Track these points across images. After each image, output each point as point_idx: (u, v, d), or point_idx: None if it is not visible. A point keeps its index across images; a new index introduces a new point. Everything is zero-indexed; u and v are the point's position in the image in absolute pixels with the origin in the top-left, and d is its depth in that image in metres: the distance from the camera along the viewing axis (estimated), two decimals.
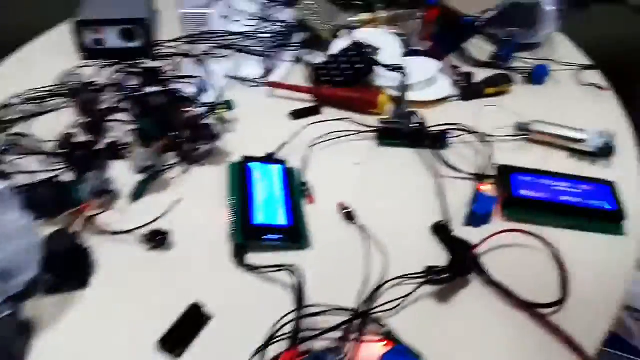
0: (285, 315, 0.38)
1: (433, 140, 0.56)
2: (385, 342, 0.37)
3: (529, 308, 0.41)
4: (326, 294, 0.40)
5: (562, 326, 0.39)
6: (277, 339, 0.37)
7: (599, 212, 0.48)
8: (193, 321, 0.39)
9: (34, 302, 0.39)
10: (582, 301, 0.42)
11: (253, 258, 0.44)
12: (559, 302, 0.41)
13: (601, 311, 0.42)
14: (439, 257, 0.44)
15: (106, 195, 0.47)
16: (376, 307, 0.40)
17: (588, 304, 0.42)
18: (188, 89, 0.59)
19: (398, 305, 0.40)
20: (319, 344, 0.37)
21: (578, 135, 0.56)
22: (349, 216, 0.48)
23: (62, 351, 0.37)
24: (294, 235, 0.45)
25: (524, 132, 0.58)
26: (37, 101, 0.59)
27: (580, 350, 0.38)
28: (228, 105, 0.58)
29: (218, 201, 0.48)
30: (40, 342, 0.37)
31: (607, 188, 0.50)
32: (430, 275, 0.41)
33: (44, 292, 0.40)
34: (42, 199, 0.45)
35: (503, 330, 0.40)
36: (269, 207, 0.46)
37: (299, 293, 0.39)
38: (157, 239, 0.44)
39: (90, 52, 0.68)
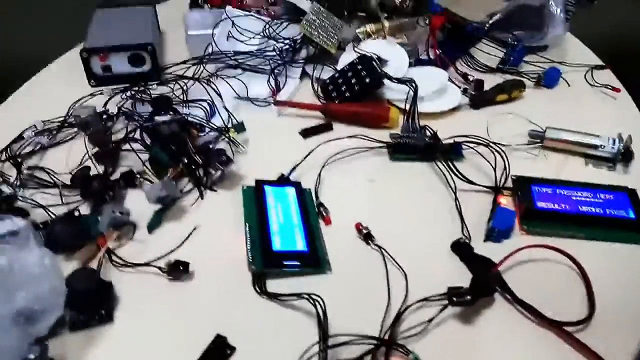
0: (310, 347, 0.38)
1: (446, 153, 0.55)
2: None
3: (556, 326, 0.40)
4: (348, 320, 0.40)
5: (591, 343, 0.39)
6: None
7: (621, 222, 0.47)
8: (217, 354, 0.39)
9: (59, 340, 0.39)
10: (609, 316, 0.41)
11: (273, 284, 0.43)
12: (586, 319, 0.40)
13: (630, 326, 0.41)
14: (461, 275, 0.44)
15: (124, 226, 0.47)
16: (400, 332, 0.39)
17: (616, 319, 0.41)
18: (198, 113, 0.59)
19: (422, 330, 0.40)
20: None
21: (594, 141, 0.55)
22: (367, 237, 0.47)
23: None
24: (314, 260, 0.45)
25: (539, 139, 0.57)
26: (49, 133, 0.59)
27: None
28: (239, 127, 0.58)
29: (235, 226, 0.48)
30: None
31: (627, 196, 0.49)
32: (453, 296, 0.41)
33: (68, 329, 0.40)
34: (60, 235, 0.45)
35: (530, 350, 0.39)
36: (286, 232, 0.46)
37: (322, 324, 0.39)
38: (178, 270, 0.43)
39: (98, 79, 0.68)
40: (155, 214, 0.49)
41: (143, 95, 0.62)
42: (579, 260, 0.44)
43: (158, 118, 0.53)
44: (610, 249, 0.46)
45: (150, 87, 0.66)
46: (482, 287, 0.42)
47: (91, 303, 0.40)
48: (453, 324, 0.41)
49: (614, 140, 0.55)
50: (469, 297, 0.41)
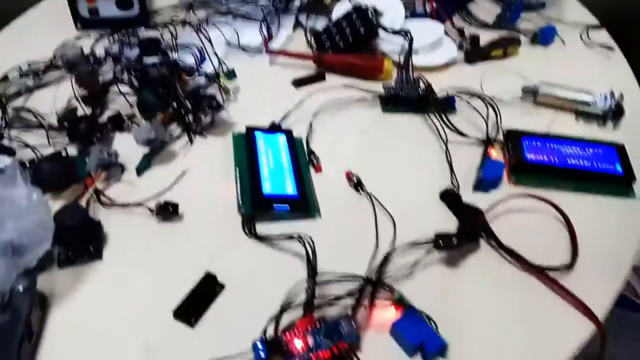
0: (298, 284, 0.38)
1: (439, 105, 0.55)
2: (397, 307, 0.38)
3: (539, 271, 0.41)
4: (337, 262, 0.40)
5: (572, 288, 0.40)
6: (291, 306, 0.37)
7: (608, 176, 0.48)
8: (206, 291, 0.39)
9: (48, 275, 0.40)
10: (592, 264, 0.42)
11: (262, 228, 0.44)
12: (569, 265, 0.41)
13: (611, 273, 0.42)
14: (449, 223, 0.44)
15: (112, 168, 0.47)
16: (387, 274, 0.40)
17: (598, 267, 0.42)
18: (188, 59, 0.58)
19: (408, 272, 0.41)
20: (331, 312, 0.38)
21: (586, 98, 0.55)
22: (357, 185, 0.47)
23: (77, 322, 0.38)
24: (303, 204, 0.45)
25: (532, 95, 0.57)
26: (35, 74, 0.57)
27: (590, 312, 0.38)
28: (230, 74, 0.57)
29: (224, 172, 0.48)
30: (55, 314, 0.38)
31: (616, 151, 0.49)
32: (439, 241, 0.41)
33: (57, 265, 0.40)
34: (48, 174, 0.45)
35: (513, 294, 0.40)
36: (276, 177, 0.46)
37: (310, 261, 0.39)
38: (167, 211, 0.43)
39: (85, 22, 0.66)
40: (144, 157, 0.48)
41: (131, 39, 0.60)
42: (564, 210, 0.45)
43: (147, 59, 0.52)
44: (596, 202, 0.47)
45: (138, 31, 0.64)
46: (467, 233, 0.43)
47: (80, 239, 0.40)
48: (439, 268, 0.42)
49: (606, 97, 0.55)
50: (454, 242, 0.41)
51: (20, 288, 0.35)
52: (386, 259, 0.41)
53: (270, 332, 0.36)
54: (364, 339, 0.37)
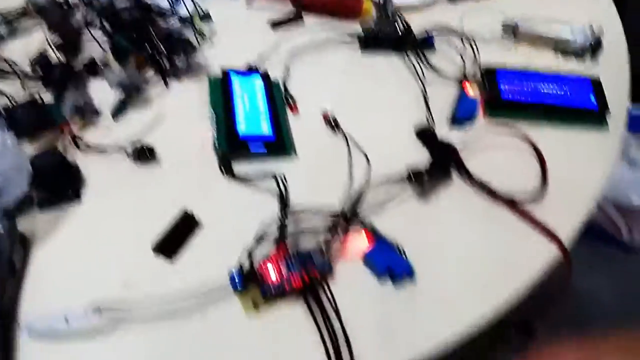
0: (272, 218, 0.39)
1: (418, 45, 0.55)
2: (369, 238, 0.39)
3: (508, 202, 0.42)
4: (311, 198, 0.41)
5: (540, 217, 0.41)
6: (264, 238, 0.38)
7: (582, 110, 0.48)
8: (184, 228, 0.40)
9: (29, 218, 0.41)
10: (560, 194, 0.43)
11: (239, 168, 0.44)
12: (538, 195, 0.42)
13: (579, 203, 0.43)
14: (424, 161, 0.45)
15: (87, 113, 0.47)
16: (360, 208, 0.41)
17: (566, 197, 0.43)
18: (162, 1, 0.57)
19: (381, 206, 0.42)
20: (305, 244, 0.39)
21: (565, 33, 0.55)
22: (334, 125, 0.48)
23: (59, 261, 0.39)
24: (279, 144, 0.45)
25: (511, 31, 0.56)
26: (7, 23, 0.56)
27: (557, 238, 0.40)
28: (205, 17, 0.56)
29: (200, 115, 0.48)
30: (38, 254, 0.39)
31: (591, 85, 0.49)
32: (413, 176, 0.42)
33: (36, 207, 0.41)
34: (23, 121, 0.45)
35: (482, 224, 0.41)
36: (252, 118, 0.46)
37: (283, 195, 0.40)
38: (144, 155, 0.44)
39: None
40: (119, 101, 0.48)
41: None
42: (536, 144, 0.46)
43: (118, 3, 0.51)
44: (569, 135, 0.48)
45: None
46: (440, 168, 0.43)
47: (57, 181, 0.41)
48: (412, 203, 0.43)
49: (585, 32, 0.54)
50: (426, 177, 0.42)
51: (1, 229, 0.36)
52: (360, 194, 0.42)
53: (246, 263, 0.37)
54: (337, 268, 0.38)
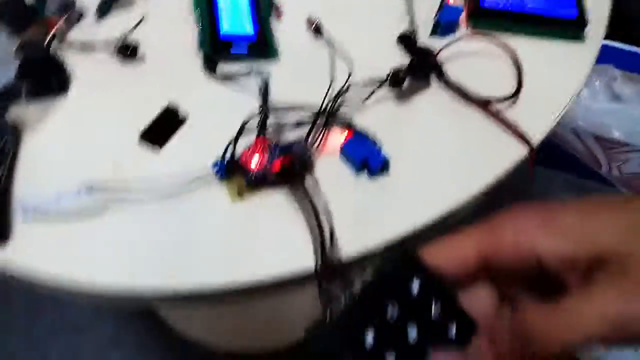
0: (254, 113, 0.41)
1: None
2: (347, 133, 0.41)
3: (482, 104, 0.44)
4: (293, 98, 0.42)
5: (513, 119, 0.43)
6: (246, 128, 0.39)
7: (563, 20, 0.49)
8: (169, 122, 0.42)
9: (17, 109, 0.42)
10: (534, 100, 0.45)
11: (223, 68, 0.45)
12: (511, 97, 0.44)
13: (551, 109, 0.45)
14: (404, 65, 0.46)
15: (71, 12, 0.47)
16: (340, 106, 0.43)
17: (539, 102, 0.45)
18: None
19: (361, 105, 0.43)
20: (286, 137, 0.41)
21: None
22: (317, 30, 0.48)
23: (49, 149, 0.40)
24: (262, 45, 0.46)
25: None
26: None
27: (524, 137, 0.42)
28: None
29: (185, 16, 0.48)
30: (27, 142, 0.40)
31: None
32: (392, 78, 0.44)
33: (25, 98, 0.42)
34: (6, 17, 0.45)
35: (455, 123, 0.43)
36: (235, 19, 0.47)
37: (266, 87, 0.41)
38: (129, 52, 0.44)
39: None
40: (103, 1, 0.48)
41: None
42: (515, 51, 0.47)
43: None
44: (549, 45, 0.49)
45: None
46: (419, 72, 0.45)
47: (44, 72, 0.42)
48: (390, 104, 0.44)
49: None
50: (404, 78, 0.43)
51: None
52: (340, 92, 0.43)
53: (228, 153, 0.39)
54: (316, 163, 0.40)
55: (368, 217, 0.38)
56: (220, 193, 0.39)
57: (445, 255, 0.25)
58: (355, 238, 0.37)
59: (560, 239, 0.23)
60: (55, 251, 0.36)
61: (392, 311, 0.24)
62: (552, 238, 0.23)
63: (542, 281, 0.24)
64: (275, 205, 0.38)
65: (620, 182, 1.13)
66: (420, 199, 0.39)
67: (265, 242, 0.37)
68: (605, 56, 1.11)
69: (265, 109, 0.39)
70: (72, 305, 0.98)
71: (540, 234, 0.23)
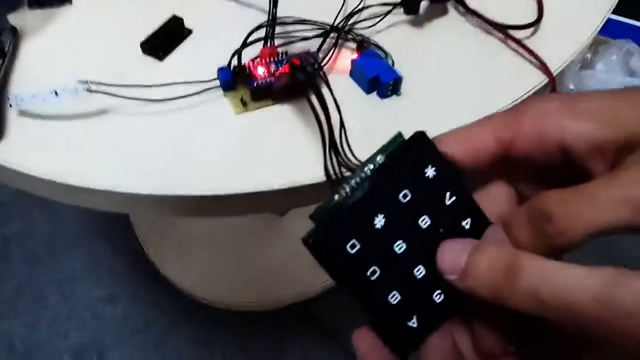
0: (260, 25, 0.39)
1: None
2: (358, 51, 0.39)
3: (502, 30, 0.42)
4: (305, 14, 0.41)
5: (533, 47, 0.41)
6: (253, 37, 0.38)
7: None
8: (174, 32, 0.40)
9: (18, 14, 0.40)
10: (555, 30, 0.43)
11: None
12: (532, 24, 0.42)
13: (571, 39, 0.43)
14: None
15: None
16: (353, 25, 0.41)
17: (561, 32, 0.43)
18: None
19: (374, 26, 0.41)
20: (295, 49, 0.39)
21: None
22: None
23: (49, 55, 0.39)
24: None
25: None
26: None
27: (544, 65, 0.40)
28: None
29: None
30: (28, 47, 0.39)
31: None
32: (408, 1, 0.42)
33: (27, 6, 0.40)
34: None
35: (474, 50, 0.42)
36: None
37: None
38: None
39: None
40: None
41: None
42: None
43: None
44: None
45: None
46: None
47: None
48: (407, 28, 0.42)
49: None
50: (421, 3, 0.41)
51: None
52: (353, 12, 0.41)
53: (234, 62, 0.37)
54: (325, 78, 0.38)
55: (377, 135, 0.36)
56: (224, 106, 0.37)
57: (461, 145, 0.23)
58: (363, 154, 0.35)
59: (587, 121, 0.21)
60: (51, 150, 0.35)
61: (404, 196, 0.22)
62: (578, 121, 0.21)
63: (565, 176, 0.23)
64: (281, 119, 0.37)
65: None
66: (432, 121, 0.37)
67: (270, 154, 0.36)
68: (623, 32, 1.08)
69: (273, 15, 0.37)
70: (69, 258, 0.97)
71: (565, 117, 0.21)
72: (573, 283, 0.18)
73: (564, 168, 0.22)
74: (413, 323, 0.22)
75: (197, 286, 0.84)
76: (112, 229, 1.00)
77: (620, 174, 0.20)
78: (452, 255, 0.21)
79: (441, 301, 0.22)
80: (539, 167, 0.23)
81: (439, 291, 0.23)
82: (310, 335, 0.87)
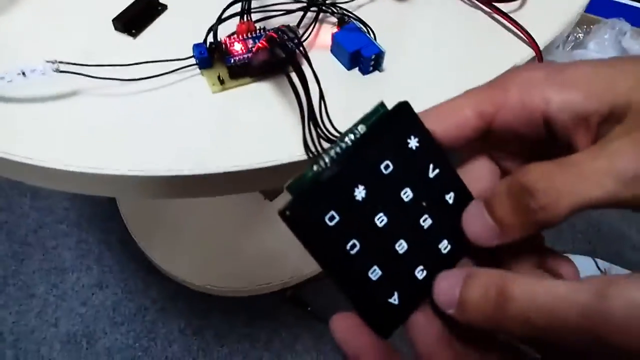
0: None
1: None
2: (339, 26, 0.38)
3: (488, 2, 0.40)
4: None
5: (519, 20, 0.40)
6: (230, 17, 0.36)
7: None
8: (147, 6, 0.38)
9: None
10: (542, 4, 0.42)
11: None
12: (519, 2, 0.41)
13: (558, 15, 0.42)
14: None
15: None
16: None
17: (548, 5, 0.42)
18: None
19: (356, 1, 0.40)
20: (273, 24, 0.37)
21: None
22: None
23: (19, 31, 0.37)
24: None
25: None
26: None
27: (532, 39, 0.39)
28: None
29: None
30: None
31: None
32: None
33: None
34: None
35: (460, 24, 0.40)
36: None
37: None
38: None
39: None
40: None
41: None
42: None
43: None
44: None
45: None
46: None
47: None
48: (389, 2, 0.41)
49: None
50: None
51: None
52: None
53: (210, 38, 0.36)
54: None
55: (359, 112, 0.35)
56: (201, 84, 0.36)
57: (442, 122, 0.22)
58: (343, 129, 0.34)
59: (571, 91, 0.20)
60: (20, 133, 0.33)
61: (386, 167, 0.21)
62: (562, 90, 0.20)
63: (548, 151, 0.22)
64: (260, 96, 0.35)
65: None
66: (417, 97, 0.36)
67: (249, 133, 0.34)
68: (615, 11, 1.07)
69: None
70: (58, 247, 0.96)
71: (548, 86, 0.20)
72: (559, 301, 0.16)
73: (547, 142, 0.21)
74: (394, 300, 0.21)
75: (187, 273, 0.83)
76: (100, 217, 0.99)
77: (605, 146, 0.19)
78: (447, 289, 0.20)
79: (423, 277, 0.21)
80: (523, 141, 0.22)
81: (421, 267, 0.21)
82: (301, 319, 0.87)
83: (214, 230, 0.88)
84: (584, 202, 0.18)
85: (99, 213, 1.00)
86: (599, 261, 0.91)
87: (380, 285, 0.21)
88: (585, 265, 0.91)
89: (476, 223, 0.21)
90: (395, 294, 0.21)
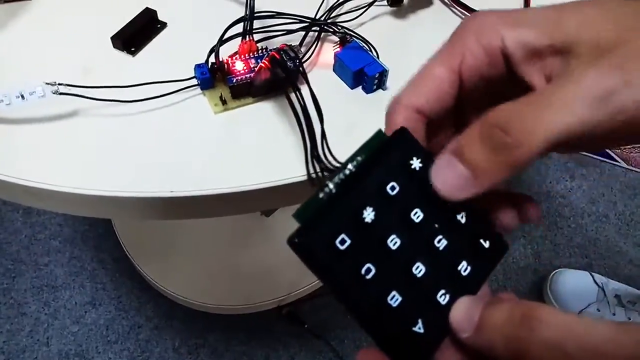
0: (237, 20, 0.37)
1: None
2: (341, 45, 0.37)
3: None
4: (284, 7, 0.39)
5: None
6: (232, 38, 0.36)
7: None
8: (147, 25, 0.38)
9: None
10: None
11: None
12: None
13: None
14: None
15: None
16: (335, 18, 0.39)
17: None
18: None
19: (358, 18, 0.40)
20: (275, 44, 0.37)
21: None
22: None
23: (19, 49, 0.37)
24: None
25: None
26: None
27: None
28: None
29: None
30: None
31: None
32: None
33: None
34: None
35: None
36: None
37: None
38: None
39: None
40: None
41: None
42: None
43: None
44: None
45: None
46: None
47: None
48: (391, 20, 0.41)
49: None
50: None
51: None
52: (336, 5, 0.40)
53: (212, 58, 0.35)
54: (308, 74, 0.37)
55: (363, 132, 0.35)
56: (202, 105, 0.35)
57: (421, 86, 0.22)
58: (349, 152, 0.34)
59: (522, 28, 0.21)
60: (19, 156, 0.33)
61: (392, 188, 0.21)
62: (514, 28, 0.21)
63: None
64: (262, 117, 0.35)
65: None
66: None
67: (251, 153, 0.34)
68: None
69: (251, 7, 0.35)
70: (50, 264, 0.94)
71: (502, 26, 0.21)
72: (604, 339, 0.16)
73: (510, 86, 0.21)
74: (419, 328, 0.20)
75: (182, 290, 0.82)
76: (94, 233, 0.98)
77: (568, 76, 0.19)
78: (465, 312, 0.20)
79: (446, 303, 0.20)
80: (490, 87, 0.22)
81: (442, 291, 0.20)
82: (297, 336, 0.85)
83: (209, 247, 0.87)
84: (559, 132, 0.18)
85: (93, 229, 0.99)
86: (596, 276, 0.91)
87: (402, 313, 0.20)
88: (582, 280, 0.91)
89: (447, 175, 0.20)
90: (420, 321, 0.20)
